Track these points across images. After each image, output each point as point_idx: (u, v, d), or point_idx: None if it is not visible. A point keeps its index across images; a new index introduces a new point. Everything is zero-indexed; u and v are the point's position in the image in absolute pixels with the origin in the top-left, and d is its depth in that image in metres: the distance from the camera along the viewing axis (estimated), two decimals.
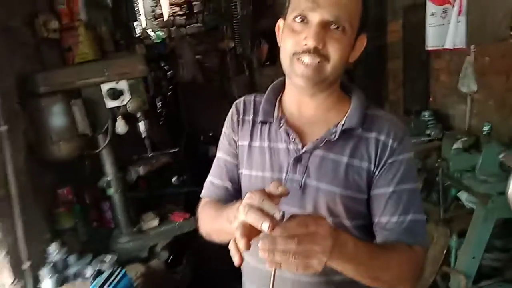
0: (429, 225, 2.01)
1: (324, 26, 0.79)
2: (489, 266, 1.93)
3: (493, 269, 1.95)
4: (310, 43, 0.78)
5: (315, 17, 0.79)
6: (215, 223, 0.89)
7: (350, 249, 0.71)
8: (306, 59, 0.80)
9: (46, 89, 1.64)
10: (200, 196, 1.05)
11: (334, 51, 0.80)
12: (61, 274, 1.52)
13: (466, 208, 2.17)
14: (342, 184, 0.86)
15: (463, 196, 2.19)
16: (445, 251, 1.99)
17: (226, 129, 1.03)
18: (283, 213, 0.65)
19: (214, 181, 1.03)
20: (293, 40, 0.82)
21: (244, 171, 0.99)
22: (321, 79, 0.83)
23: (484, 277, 1.93)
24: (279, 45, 0.90)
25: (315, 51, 0.79)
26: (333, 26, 0.79)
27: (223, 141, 1.04)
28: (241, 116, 1.01)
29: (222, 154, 1.03)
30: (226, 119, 1.04)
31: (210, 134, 3.77)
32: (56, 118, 1.64)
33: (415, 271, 0.85)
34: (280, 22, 0.90)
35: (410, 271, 0.84)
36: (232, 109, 1.03)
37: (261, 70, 3.89)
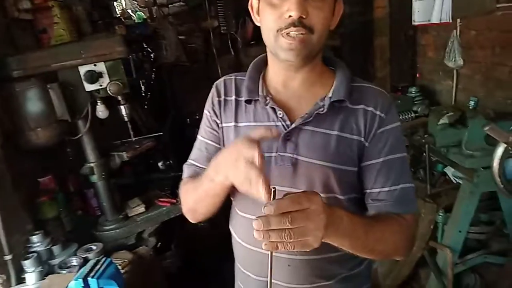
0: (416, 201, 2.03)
1: None
2: (475, 239, 1.97)
3: (479, 242, 1.99)
4: (294, 14, 0.76)
5: None
6: (197, 191, 0.89)
7: (345, 224, 0.72)
8: (292, 32, 0.78)
9: (20, 73, 1.56)
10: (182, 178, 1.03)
11: (318, 21, 0.78)
12: (45, 265, 1.49)
13: (453, 183, 2.19)
14: (334, 158, 0.86)
15: (450, 171, 2.21)
16: (432, 226, 2.01)
17: (207, 111, 1.00)
18: (275, 190, 0.66)
19: (195, 163, 1.01)
20: (275, 15, 0.79)
21: None
22: (308, 51, 0.81)
23: (470, 251, 1.97)
24: (256, 23, 0.88)
25: (300, 22, 0.77)
26: None
27: (204, 124, 1.01)
28: (222, 97, 0.98)
29: (202, 138, 1.01)
30: (207, 101, 1.01)
31: (197, 116, 3.71)
32: (32, 103, 1.57)
33: (408, 240, 0.87)
34: (254, 1, 0.87)
35: (404, 240, 0.86)
36: (212, 91, 1.00)
37: (247, 49, 3.81)
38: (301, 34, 0.78)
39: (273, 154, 0.88)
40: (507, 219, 1.87)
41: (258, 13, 0.86)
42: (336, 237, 0.71)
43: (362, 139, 0.86)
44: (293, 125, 0.87)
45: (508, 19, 2.01)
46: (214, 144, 0.99)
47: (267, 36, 0.83)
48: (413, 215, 0.88)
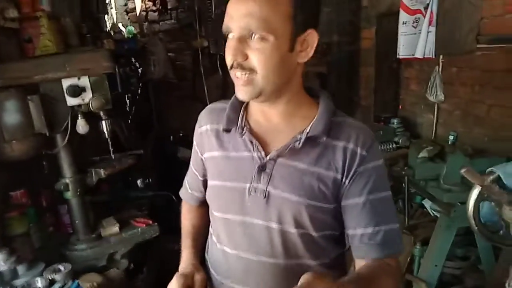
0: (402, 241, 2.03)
1: (242, 39, 0.77)
2: (450, 274, 1.97)
3: (454, 277, 2.00)
4: (229, 59, 0.79)
5: (233, 31, 0.78)
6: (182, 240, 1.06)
7: None
8: (236, 73, 0.80)
9: None
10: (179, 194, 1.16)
11: (258, 62, 0.78)
12: (7, 286, 1.41)
13: (431, 215, 2.21)
14: (307, 194, 0.84)
15: (428, 203, 2.23)
16: (408, 259, 2.01)
17: (194, 140, 1.04)
18: None
19: (187, 185, 1.12)
20: (227, 55, 0.81)
21: (210, 182, 0.97)
22: (256, 92, 0.81)
23: (445, 285, 1.97)
24: None
25: (238, 65, 0.78)
26: (254, 36, 0.77)
27: (193, 152, 1.06)
28: (203, 127, 0.99)
29: (191, 164, 1.08)
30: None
31: (180, 134, 3.69)
32: (9, 115, 1.53)
33: (395, 285, 0.86)
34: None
35: (398, 279, 0.88)
36: (198, 120, 1.02)
37: None
38: (244, 74, 0.79)
39: (247, 185, 0.88)
40: (482, 255, 1.89)
41: None
42: None
43: (339, 176, 0.85)
44: (267, 157, 0.86)
45: (488, 59, 2.09)
46: (197, 172, 1.06)
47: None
48: (397, 257, 0.87)
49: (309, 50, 0.84)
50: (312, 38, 0.83)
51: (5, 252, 1.47)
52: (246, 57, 0.78)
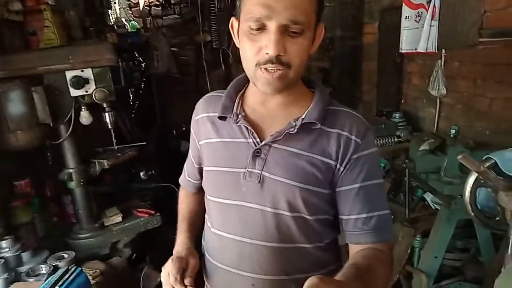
0: (394, 225, 2.04)
1: (283, 31, 0.76)
2: (450, 266, 1.98)
3: (454, 268, 2.01)
4: (272, 52, 0.76)
5: (272, 24, 0.75)
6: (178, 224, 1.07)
7: None
8: (270, 67, 0.78)
9: (4, 74, 1.55)
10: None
11: (295, 57, 0.78)
12: (12, 272, 1.44)
13: (432, 208, 2.22)
14: (301, 178, 0.86)
15: (429, 197, 2.24)
16: (409, 251, 2.02)
17: (191, 128, 1.05)
18: None
19: (186, 172, 1.14)
20: (253, 49, 0.79)
21: (205, 168, 0.99)
22: (285, 85, 0.82)
23: (445, 277, 1.98)
24: (236, 44, 0.87)
25: (278, 60, 0.77)
26: (292, 30, 0.76)
27: (190, 140, 1.07)
28: (199, 116, 1.01)
29: (190, 152, 1.10)
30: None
31: (183, 128, 3.70)
32: (14, 105, 1.56)
33: (389, 272, 0.89)
34: (234, 22, 0.87)
35: (388, 275, 0.87)
36: (195, 109, 1.04)
37: (237, 65, 3.85)
38: (279, 69, 0.78)
39: (242, 170, 0.89)
40: (482, 247, 1.89)
41: (238, 34, 0.86)
42: None
43: (333, 162, 0.86)
44: (263, 142, 0.87)
45: (490, 53, 2.09)
46: (195, 160, 1.07)
47: (246, 65, 0.83)
48: (389, 243, 0.89)
49: (317, 43, 0.85)
50: (321, 30, 0.85)
51: (10, 239, 1.49)
52: (286, 51, 0.77)
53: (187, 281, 0.88)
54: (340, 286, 0.68)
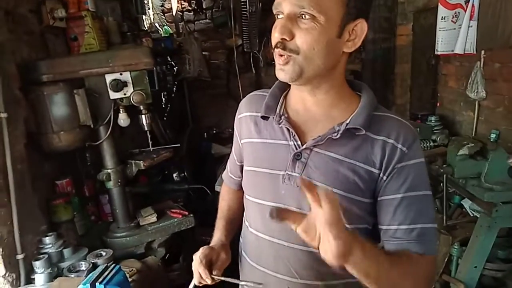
0: (436, 243, 1.98)
1: (292, 17, 0.77)
2: (491, 276, 1.89)
3: (495, 279, 1.92)
4: (276, 35, 0.78)
5: (284, 10, 0.78)
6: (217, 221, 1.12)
7: (369, 248, 0.70)
8: (279, 52, 0.80)
9: (49, 77, 1.62)
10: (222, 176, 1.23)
11: (303, 43, 0.78)
12: (54, 268, 1.50)
13: (470, 216, 2.13)
14: (341, 186, 0.83)
15: (467, 204, 2.16)
16: (446, 259, 1.95)
17: (234, 127, 1.07)
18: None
19: (228, 168, 1.17)
20: (274, 34, 0.81)
21: (245, 167, 0.99)
22: (296, 72, 0.80)
23: None
24: None
25: (282, 44, 0.78)
26: (301, 16, 0.77)
27: (234, 137, 1.09)
28: (243, 114, 1.02)
29: (233, 149, 1.12)
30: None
31: (214, 131, 3.75)
32: (58, 107, 1.62)
33: (430, 280, 0.84)
34: None
35: (427, 280, 0.82)
36: (238, 107, 1.06)
37: (268, 68, 3.87)
38: (285, 55, 0.79)
39: (282, 173, 0.89)
40: None
41: None
42: (362, 259, 0.68)
43: (377, 171, 0.83)
44: (303, 146, 0.86)
45: None
46: (237, 158, 1.09)
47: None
48: (431, 257, 0.84)
49: (356, 41, 0.82)
50: (361, 28, 0.82)
51: (53, 236, 1.56)
52: (292, 37, 0.78)
53: (214, 273, 0.89)
54: (356, 240, 0.66)
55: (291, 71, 0.80)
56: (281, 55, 0.80)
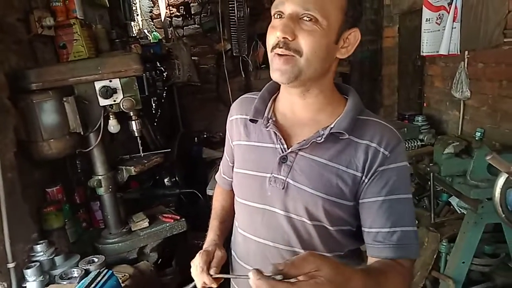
0: (420, 230, 2.02)
1: (295, 18, 0.78)
2: (478, 271, 1.94)
3: (482, 274, 1.96)
4: (279, 34, 0.78)
5: (286, 10, 0.79)
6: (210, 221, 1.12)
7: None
8: (279, 51, 0.80)
9: (38, 86, 1.62)
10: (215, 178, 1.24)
11: (305, 44, 0.78)
12: (46, 275, 1.49)
13: (457, 213, 2.18)
14: (325, 189, 0.85)
15: (454, 201, 2.21)
16: (435, 256, 1.99)
17: (226, 128, 1.09)
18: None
19: (221, 169, 1.19)
20: (271, 35, 0.82)
21: (235, 169, 1.02)
22: (294, 73, 0.81)
23: (473, 283, 1.94)
24: None
25: (285, 44, 0.79)
26: (304, 18, 0.78)
27: (226, 140, 1.11)
28: (234, 116, 1.04)
29: (225, 152, 1.14)
30: None
31: (205, 136, 3.76)
32: (48, 115, 1.62)
33: (410, 281, 0.87)
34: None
35: (408, 283, 0.84)
36: (230, 110, 1.08)
37: (257, 72, 3.89)
38: (286, 54, 0.79)
39: (268, 175, 0.91)
40: None
41: None
42: None
43: (360, 174, 0.84)
44: (289, 150, 0.88)
45: None
46: (229, 159, 1.11)
47: (268, 54, 0.86)
48: (411, 259, 0.86)
49: (350, 48, 0.85)
50: (355, 36, 0.84)
51: (45, 244, 1.55)
52: (294, 37, 0.78)
53: (212, 271, 0.89)
54: (342, 271, 0.64)
55: (289, 72, 0.81)
56: (281, 55, 0.80)
